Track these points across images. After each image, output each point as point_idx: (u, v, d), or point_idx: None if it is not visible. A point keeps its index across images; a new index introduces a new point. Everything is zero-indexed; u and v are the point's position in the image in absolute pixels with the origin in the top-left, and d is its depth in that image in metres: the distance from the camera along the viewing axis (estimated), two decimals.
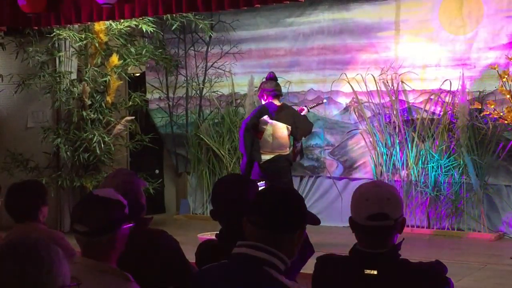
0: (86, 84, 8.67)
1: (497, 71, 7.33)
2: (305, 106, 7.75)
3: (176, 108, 9.88)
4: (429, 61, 8.17)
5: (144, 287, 2.69)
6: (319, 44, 8.84)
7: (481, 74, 7.84)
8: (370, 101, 8.47)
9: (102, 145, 8.51)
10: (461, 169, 7.95)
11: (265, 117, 7.26)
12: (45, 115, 9.03)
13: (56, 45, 8.77)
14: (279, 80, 7.61)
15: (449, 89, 8.00)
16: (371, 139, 8.48)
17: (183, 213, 9.81)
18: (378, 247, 2.50)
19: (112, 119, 8.90)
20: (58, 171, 8.78)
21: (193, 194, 9.75)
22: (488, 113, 7.39)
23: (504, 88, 7.19)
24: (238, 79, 9.40)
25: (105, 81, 8.81)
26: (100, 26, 8.64)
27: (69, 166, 8.78)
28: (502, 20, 7.74)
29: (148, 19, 8.76)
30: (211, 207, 3.24)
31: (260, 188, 2.92)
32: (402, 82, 8.30)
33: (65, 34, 8.55)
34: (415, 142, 8.18)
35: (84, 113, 8.67)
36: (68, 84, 8.77)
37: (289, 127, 7.29)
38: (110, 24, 8.70)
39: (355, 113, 8.62)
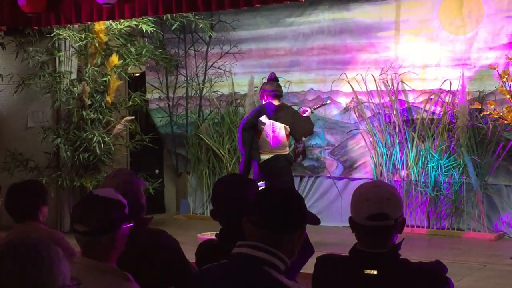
0: (86, 84, 8.67)
1: (497, 71, 7.33)
2: (309, 107, 7.76)
3: (176, 108, 9.88)
4: (429, 61, 8.16)
5: (144, 287, 2.69)
6: (319, 44, 8.84)
7: (481, 74, 7.84)
8: (370, 101, 8.48)
9: (102, 145, 8.52)
10: (461, 169, 7.95)
11: (263, 117, 7.29)
12: (45, 115, 9.03)
13: (56, 45, 8.77)
14: (279, 80, 7.62)
15: (449, 89, 8.00)
16: (371, 139, 8.48)
17: (183, 213, 9.81)
18: (378, 247, 2.50)
19: (112, 119, 8.90)
20: (58, 171, 8.78)
21: (193, 194, 9.75)
22: (488, 113, 7.39)
23: (504, 88, 7.19)
24: (238, 79, 9.40)
25: (105, 81, 8.81)
26: (100, 26, 8.64)
27: (69, 166, 8.79)
28: (502, 20, 7.74)
29: (148, 19, 8.76)
30: (211, 207, 3.24)
31: (260, 188, 2.92)
32: (402, 82, 8.30)
33: (65, 34, 8.55)
34: (415, 142, 8.18)
35: (84, 113, 8.67)
36: (68, 84, 8.78)
37: (287, 127, 7.30)
38: (110, 24, 8.71)
39: (355, 113, 8.62)
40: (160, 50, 9.49)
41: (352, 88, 8.54)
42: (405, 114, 8.31)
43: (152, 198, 8.23)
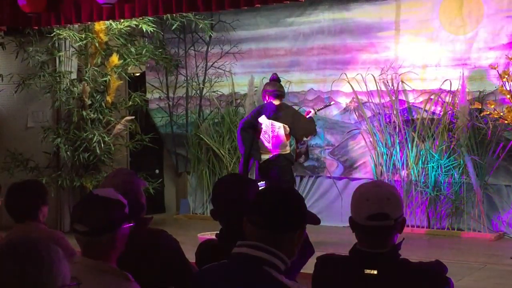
0: (86, 84, 8.68)
1: (497, 71, 7.33)
2: (312, 109, 7.77)
3: (176, 108, 9.88)
4: (429, 61, 8.16)
5: (144, 287, 2.69)
6: (319, 44, 8.84)
7: (481, 74, 7.84)
8: (370, 101, 8.48)
9: (102, 145, 8.52)
10: (461, 169, 7.95)
11: (262, 117, 7.32)
12: (45, 115, 9.03)
13: (56, 45, 8.77)
14: (280, 80, 7.63)
15: (449, 89, 8.00)
16: (371, 139, 8.48)
17: (183, 213, 9.81)
18: (378, 247, 2.50)
19: (112, 119, 8.90)
20: (58, 171, 8.78)
21: (193, 194, 9.75)
22: (488, 113, 7.39)
23: (504, 88, 7.19)
24: (238, 79, 9.40)
25: (105, 81, 8.81)
26: (100, 26, 8.64)
27: (69, 166, 8.79)
28: (502, 20, 7.74)
29: (148, 19, 8.76)
30: (211, 207, 3.24)
31: (260, 188, 2.92)
32: (402, 82, 8.30)
33: (65, 34, 8.55)
34: (415, 142, 8.18)
35: (84, 113, 8.67)
36: (68, 84, 8.78)
37: (287, 126, 7.32)
38: (110, 24, 8.71)
39: (355, 113, 8.62)
40: (160, 50, 9.49)
41: (352, 88, 8.54)
42: (405, 114, 8.31)
43: (152, 198, 8.24)
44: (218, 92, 9.53)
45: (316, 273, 2.63)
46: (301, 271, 2.94)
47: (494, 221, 7.91)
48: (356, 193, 2.56)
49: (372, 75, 8.39)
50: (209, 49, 9.62)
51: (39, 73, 8.64)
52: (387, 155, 8.36)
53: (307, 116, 7.54)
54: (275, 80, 7.48)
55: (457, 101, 7.94)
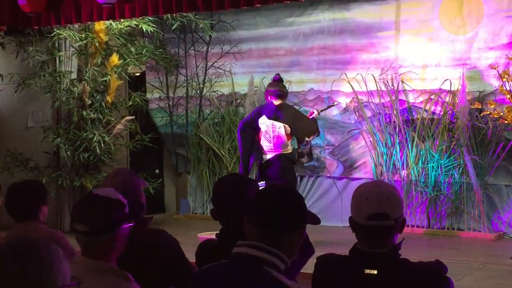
0: (86, 84, 8.68)
1: (497, 71, 7.33)
2: (316, 109, 7.78)
3: (176, 107, 9.89)
4: (429, 61, 8.16)
5: (144, 287, 2.69)
6: (319, 44, 8.84)
7: (481, 74, 7.84)
8: (370, 101, 8.48)
9: (102, 145, 8.52)
10: (461, 169, 7.95)
11: (263, 117, 7.34)
12: (45, 115, 9.04)
13: (56, 45, 8.77)
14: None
15: (449, 89, 8.00)
16: (371, 139, 8.48)
17: (183, 213, 9.81)
18: (378, 247, 2.50)
19: (112, 118, 8.90)
20: (58, 171, 8.78)
21: (193, 194, 9.75)
22: (488, 113, 7.39)
23: (504, 88, 7.19)
24: (238, 79, 9.40)
25: (105, 80, 8.81)
26: (100, 25, 8.64)
27: (69, 165, 8.79)
28: (502, 20, 7.74)
29: (148, 19, 8.77)
30: (211, 207, 3.24)
31: (260, 188, 2.91)
32: (402, 82, 8.30)
33: (65, 34, 8.55)
34: (415, 142, 8.18)
35: (84, 113, 8.67)
36: (68, 83, 8.78)
37: (287, 126, 7.32)
38: (110, 24, 8.71)
39: (355, 113, 8.62)
40: (160, 50, 9.49)
41: (352, 88, 8.54)
42: (405, 114, 8.31)
43: (152, 198, 8.24)
44: (218, 92, 9.54)
45: (316, 273, 2.63)
46: (301, 271, 2.94)
47: (494, 221, 7.91)
48: (356, 193, 2.56)
49: (372, 75, 8.39)
50: (209, 49, 9.62)
51: (39, 73, 8.65)
52: (387, 155, 8.36)
53: (310, 117, 7.57)
54: (278, 80, 7.51)
55: (457, 101, 7.94)
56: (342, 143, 8.73)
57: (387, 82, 8.35)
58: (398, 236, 2.55)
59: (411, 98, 8.30)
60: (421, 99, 8.23)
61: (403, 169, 8.29)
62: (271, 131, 7.31)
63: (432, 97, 8.11)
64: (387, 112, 8.38)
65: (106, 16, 7.41)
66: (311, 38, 8.88)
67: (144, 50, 9.15)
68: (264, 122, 7.35)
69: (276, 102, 7.35)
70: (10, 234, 3.84)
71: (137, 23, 8.79)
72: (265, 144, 7.35)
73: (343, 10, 8.66)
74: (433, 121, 8.11)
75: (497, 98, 7.59)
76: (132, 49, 9.01)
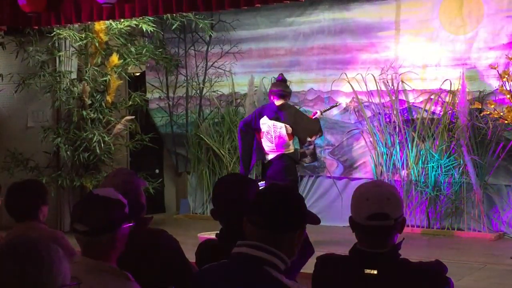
0: (86, 84, 8.68)
1: (497, 71, 7.33)
2: (318, 110, 7.79)
3: (176, 107, 9.89)
4: (429, 61, 8.16)
5: (144, 287, 2.69)
6: (319, 44, 8.84)
7: (481, 74, 7.84)
8: (370, 101, 8.48)
9: (102, 145, 8.52)
10: (461, 169, 7.95)
11: (264, 117, 7.35)
12: (45, 115, 9.03)
13: (56, 45, 8.77)
14: None
15: (449, 89, 8.00)
16: (371, 139, 8.48)
17: (183, 213, 9.81)
18: (378, 247, 2.50)
19: (112, 118, 8.90)
20: (58, 171, 8.78)
21: (193, 193, 9.75)
22: (488, 113, 7.39)
23: (504, 88, 7.19)
24: (238, 78, 9.40)
25: (105, 80, 8.81)
26: (100, 25, 8.64)
27: (69, 165, 8.79)
28: (502, 20, 7.74)
29: (148, 19, 8.77)
30: (211, 206, 3.24)
31: (260, 188, 2.91)
32: (402, 82, 8.30)
33: (65, 34, 8.55)
34: (415, 142, 8.18)
35: (84, 113, 8.67)
36: (68, 83, 8.78)
37: (289, 126, 7.33)
38: (110, 24, 8.71)
39: (355, 113, 8.62)
40: (160, 50, 9.49)
41: (352, 88, 8.54)
42: (405, 114, 8.31)
43: (152, 198, 8.24)
44: (218, 92, 9.54)
45: (316, 273, 2.63)
46: (301, 271, 2.94)
47: (494, 221, 7.91)
48: (356, 193, 2.56)
49: (372, 75, 8.39)
50: (209, 49, 9.62)
51: (39, 73, 8.65)
52: (387, 155, 8.36)
53: (313, 117, 7.58)
54: (281, 80, 7.53)
55: (457, 101, 7.94)
56: (342, 143, 8.73)
57: (387, 82, 8.35)
58: (398, 236, 2.55)
59: (411, 98, 8.30)
60: (421, 99, 8.23)
61: (403, 169, 8.29)
62: (272, 132, 7.32)
63: (432, 97, 8.11)
64: (387, 112, 8.38)
65: (106, 16, 7.41)
66: (311, 38, 8.88)
67: (144, 50, 9.15)
68: (265, 123, 7.35)
69: (278, 102, 7.35)
70: (10, 234, 3.85)
71: (137, 23, 8.79)
72: (267, 144, 7.36)
73: (343, 10, 8.66)
74: (433, 121, 8.11)
75: (497, 98, 7.59)
76: (132, 49, 9.01)
